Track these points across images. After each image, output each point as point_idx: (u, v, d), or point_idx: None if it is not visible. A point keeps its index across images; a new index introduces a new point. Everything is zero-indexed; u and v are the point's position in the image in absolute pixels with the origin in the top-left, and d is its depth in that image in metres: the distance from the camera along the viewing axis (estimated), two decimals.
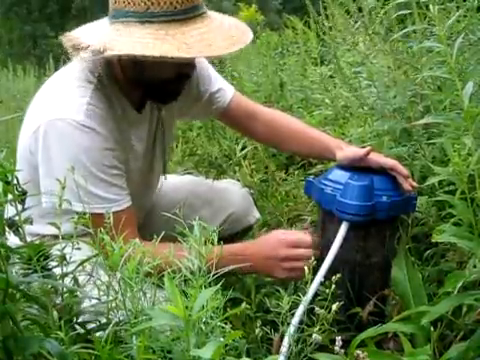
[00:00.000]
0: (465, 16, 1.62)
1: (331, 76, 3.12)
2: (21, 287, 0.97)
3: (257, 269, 1.54)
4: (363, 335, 1.24)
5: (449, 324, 1.37)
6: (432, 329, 1.24)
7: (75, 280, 1.11)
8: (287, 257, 1.50)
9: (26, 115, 1.61)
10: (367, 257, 1.52)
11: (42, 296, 1.00)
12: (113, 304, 1.11)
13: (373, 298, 1.48)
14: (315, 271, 1.39)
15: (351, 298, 1.51)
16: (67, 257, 1.09)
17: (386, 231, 1.53)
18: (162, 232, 1.21)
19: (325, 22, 2.76)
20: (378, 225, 1.51)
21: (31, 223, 1.02)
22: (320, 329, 1.22)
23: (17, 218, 0.98)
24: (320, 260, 1.44)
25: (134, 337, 1.01)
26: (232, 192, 2.12)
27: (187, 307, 0.88)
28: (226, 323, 1.03)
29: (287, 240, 1.53)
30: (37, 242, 1.03)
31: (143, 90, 1.63)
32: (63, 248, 1.09)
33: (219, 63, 3.89)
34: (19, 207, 0.97)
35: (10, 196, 0.95)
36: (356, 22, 2.16)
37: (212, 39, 1.45)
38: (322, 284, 1.34)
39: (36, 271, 1.01)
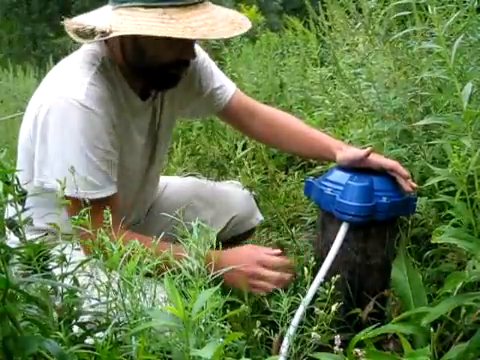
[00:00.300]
0: (465, 17, 1.62)
1: (331, 77, 3.12)
2: (21, 287, 0.97)
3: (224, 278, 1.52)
4: (361, 335, 1.24)
5: (449, 325, 1.38)
6: (432, 330, 1.24)
7: (75, 281, 1.11)
8: (255, 275, 1.52)
9: (29, 102, 1.62)
10: (367, 258, 1.52)
11: (42, 296, 1.00)
12: (113, 305, 1.11)
13: (373, 299, 1.48)
14: (315, 272, 1.39)
15: (351, 299, 1.51)
16: (67, 258, 1.09)
17: (386, 232, 1.53)
18: (166, 234, 1.21)
19: (325, 23, 2.76)
20: (378, 226, 1.51)
21: (31, 224, 1.02)
22: (320, 329, 1.22)
23: (17, 218, 0.98)
24: (320, 261, 1.44)
25: (134, 338, 1.01)
26: (235, 195, 2.12)
27: (187, 308, 0.88)
28: (226, 324, 1.03)
29: (259, 258, 1.54)
30: (37, 242, 1.03)
31: (143, 76, 1.64)
32: (63, 248, 1.09)
33: (219, 64, 3.90)
34: (19, 207, 0.97)
35: (10, 196, 0.95)
36: (356, 23, 2.16)
37: (214, 24, 1.48)
38: (322, 285, 1.34)
39: (36, 271, 1.02)
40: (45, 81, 1.64)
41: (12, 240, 0.99)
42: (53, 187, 1.14)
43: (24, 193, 0.98)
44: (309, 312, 1.31)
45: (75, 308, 1.07)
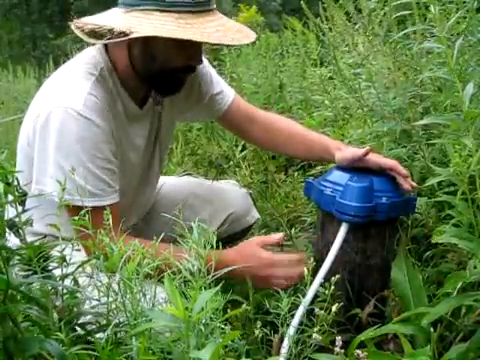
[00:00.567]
0: (465, 17, 1.62)
1: (331, 77, 3.12)
2: (21, 288, 0.97)
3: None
4: (362, 336, 1.24)
5: (449, 325, 1.37)
6: (432, 330, 1.24)
7: (75, 281, 1.11)
8: (269, 277, 1.53)
9: (28, 110, 1.63)
10: (367, 258, 1.52)
11: (42, 297, 1.00)
12: (113, 305, 1.11)
13: (373, 299, 1.48)
14: (315, 272, 1.39)
15: (351, 299, 1.51)
16: (67, 259, 1.09)
17: (386, 232, 1.53)
18: (162, 233, 1.21)
19: (325, 23, 2.76)
20: (378, 226, 1.51)
21: (31, 225, 1.02)
22: (320, 330, 1.22)
23: (17, 219, 0.98)
24: (320, 261, 1.44)
25: (134, 338, 1.01)
26: (232, 192, 2.12)
27: (187, 308, 0.88)
28: (226, 324, 1.03)
29: (268, 260, 1.54)
30: (37, 243, 1.03)
31: (150, 81, 1.65)
32: (63, 249, 1.09)
33: (218, 64, 3.90)
34: (19, 208, 0.98)
35: (10, 197, 0.95)
36: (356, 23, 2.16)
37: (226, 31, 1.52)
38: (322, 285, 1.34)
39: (36, 272, 1.02)
40: (44, 88, 1.64)
41: (12, 242, 0.99)
42: (52, 196, 1.15)
43: (24, 194, 0.98)
44: (309, 312, 1.31)
45: (75, 309, 1.08)
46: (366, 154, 1.58)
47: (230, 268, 1.12)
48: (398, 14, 1.84)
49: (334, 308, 1.23)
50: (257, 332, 1.26)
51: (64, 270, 1.09)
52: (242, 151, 2.67)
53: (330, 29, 2.56)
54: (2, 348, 0.90)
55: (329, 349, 1.22)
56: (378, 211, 1.46)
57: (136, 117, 1.70)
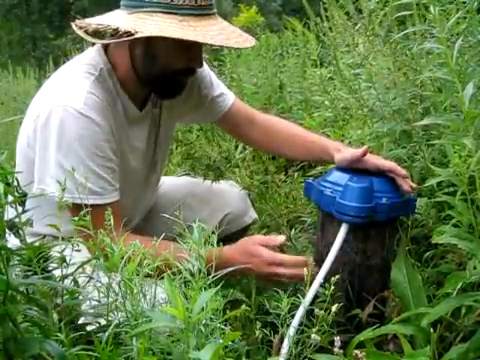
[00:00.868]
0: (465, 18, 1.62)
1: (331, 78, 3.12)
2: (21, 289, 0.97)
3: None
4: (362, 336, 1.24)
5: (448, 325, 1.37)
6: (432, 331, 1.24)
7: (75, 282, 1.11)
8: (270, 275, 1.52)
9: (27, 111, 1.63)
10: (367, 259, 1.52)
11: (42, 298, 1.00)
12: (113, 306, 1.11)
13: (373, 299, 1.48)
14: (315, 273, 1.39)
15: (351, 299, 1.51)
16: (67, 259, 1.09)
17: (386, 233, 1.53)
18: (161, 233, 1.22)
19: (325, 24, 2.76)
20: (378, 227, 1.51)
21: (31, 225, 1.02)
22: (320, 330, 1.22)
23: (17, 220, 0.98)
24: (320, 261, 1.44)
25: (134, 339, 1.01)
26: (229, 192, 2.13)
27: (187, 309, 0.88)
28: (226, 325, 1.03)
29: (270, 259, 1.52)
30: (37, 244, 1.03)
31: (151, 84, 1.66)
32: (63, 250, 1.09)
33: (219, 65, 3.90)
34: (19, 209, 0.98)
35: (10, 198, 0.95)
36: (356, 24, 2.16)
37: (228, 34, 1.54)
38: (322, 286, 1.34)
39: (36, 273, 1.02)
40: (44, 89, 1.65)
41: (12, 243, 0.99)
42: (54, 195, 1.15)
43: (24, 195, 0.98)
44: (309, 313, 1.31)
45: (76, 309, 1.08)
46: (364, 153, 1.58)
47: (232, 268, 1.12)
48: (398, 14, 1.84)
49: (334, 308, 1.23)
50: (257, 332, 1.26)
51: (64, 271, 1.09)
52: (242, 152, 2.67)
53: (330, 29, 2.56)
54: (2, 349, 0.90)
55: (329, 349, 1.22)
56: (378, 211, 1.46)
57: (136, 120, 1.70)
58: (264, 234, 2.31)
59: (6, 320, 0.91)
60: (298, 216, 2.49)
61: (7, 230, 0.95)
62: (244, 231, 2.17)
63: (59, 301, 1.06)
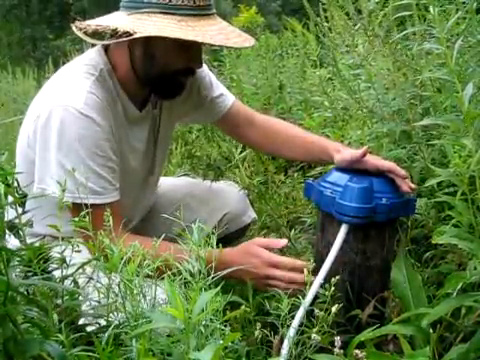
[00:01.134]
0: (464, 18, 1.62)
1: (330, 78, 3.12)
2: (21, 290, 0.97)
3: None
4: (361, 336, 1.24)
5: (448, 326, 1.37)
6: (431, 331, 1.24)
7: (75, 282, 1.11)
8: (267, 276, 1.51)
9: (27, 111, 1.64)
10: (367, 259, 1.52)
11: (42, 299, 1.00)
12: (113, 306, 1.11)
13: (373, 300, 1.48)
14: (315, 273, 1.39)
15: (351, 300, 1.51)
16: (67, 260, 1.09)
17: (386, 233, 1.53)
18: (161, 233, 1.22)
19: (324, 24, 2.76)
20: (378, 227, 1.51)
21: (31, 226, 1.02)
22: (320, 331, 1.22)
23: (17, 221, 0.98)
24: (320, 262, 1.44)
25: (134, 340, 1.01)
26: (228, 192, 2.13)
27: (187, 310, 0.88)
28: (226, 326, 1.03)
29: (270, 260, 1.51)
30: (37, 244, 1.03)
31: (150, 84, 1.66)
32: (63, 251, 1.09)
33: (218, 65, 3.90)
34: (19, 210, 0.98)
35: (10, 198, 0.95)
36: (355, 24, 2.16)
37: (227, 34, 1.55)
38: (322, 286, 1.34)
39: (36, 274, 1.02)
40: (44, 89, 1.65)
41: (12, 244, 0.99)
42: (54, 195, 1.15)
43: (24, 195, 0.98)
44: (309, 313, 1.31)
45: (76, 310, 1.08)
46: (364, 154, 1.58)
47: (231, 269, 1.12)
48: (398, 15, 1.84)
49: (334, 309, 1.23)
50: (257, 333, 1.26)
51: (64, 271, 1.09)
52: (242, 152, 2.67)
53: (330, 30, 2.56)
54: (2, 349, 0.90)
55: (329, 350, 1.22)
56: (378, 212, 1.46)
57: (135, 120, 1.71)
58: (264, 235, 2.32)
59: (6, 321, 0.91)
60: (298, 217, 2.50)
61: (7, 231, 0.95)
62: (243, 231, 2.17)
63: (59, 302, 1.06)
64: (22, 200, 0.97)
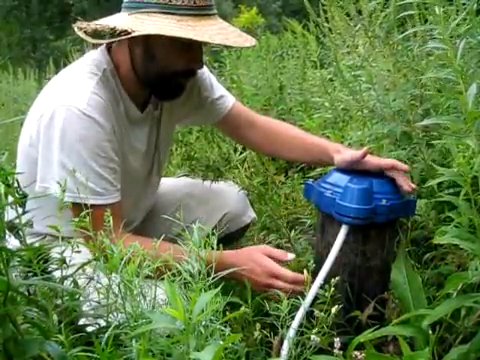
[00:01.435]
0: (465, 19, 1.62)
1: (331, 79, 3.12)
2: (21, 290, 0.97)
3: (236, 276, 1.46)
4: (361, 337, 1.23)
5: (448, 327, 1.37)
6: (431, 332, 1.24)
7: (75, 283, 1.11)
8: (268, 286, 1.50)
9: (29, 111, 1.64)
10: (367, 260, 1.52)
11: (42, 299, 1.00)
12: (113, 307, 1.11)
13: (372, 301, 1.48)
14: (314, 274, 1.39)
15: (350, 301, 1.51)
16: (67, 260, 1.09)
17: (385, 234, 1.53)
18: (161, 233, 1.22)
19: (325, 25, 2.76)
20: (378, 228, 1.51)
21: (31, 226, 1.02)
22: (319, 332, 1.22)
23: (17, 221, 0.98)
24: (320, 263, 1.44)
25: (134, 340, 1.00)
26: (227, 192, 2.13)
27: (187, 310, 0.88)
28: (226, 326, 1.03)
29: (274, 271, 1.51)
30: (37, 244, 1.03)
31: (150, 85, 1.67)
32: (63, 251, 1.09)
33: (218, 66, 3.90)
34: (19, 210, 0.98)
35: (10, 198, 0.95)
36: (356, 25, 2.16)
37: (227, 34, 1.55)
38: (322, 287, 1.34)
39: (36, 274, 1.02)
40: (47, 89, 1.65)
41: (12, 244, 0.99)
42: (56, 194, 1.15)
43: (25, 196, 0.98)
44: (309, 314, 1.31)
45: (76, 310, 1.07)
46: (364, 155, 1.58)
47: (230, 270, 1.12)
48: (399, 16, 1.84)
49: (334, 310, 1.23)
50: (257, 334, 1.26)
51: (64, 272, 1.09)
52: (241, 153, 2.67)
53: (330, 30, 2.56)
54: (2, 350, 0.90)
55: (329, 351, 1.22)
56: (378, 213, 1.46)
57: (137, 121, 1.71)
58: (263, 235, 2.32)
59: (6, 321, 0.91)
60: (298, 217, 2.50)
61: (7, 231, 0.95)
62: (243, 231, 2.17)
63: (59, 302, 1.06)
64: (22, 200, 0.97)
